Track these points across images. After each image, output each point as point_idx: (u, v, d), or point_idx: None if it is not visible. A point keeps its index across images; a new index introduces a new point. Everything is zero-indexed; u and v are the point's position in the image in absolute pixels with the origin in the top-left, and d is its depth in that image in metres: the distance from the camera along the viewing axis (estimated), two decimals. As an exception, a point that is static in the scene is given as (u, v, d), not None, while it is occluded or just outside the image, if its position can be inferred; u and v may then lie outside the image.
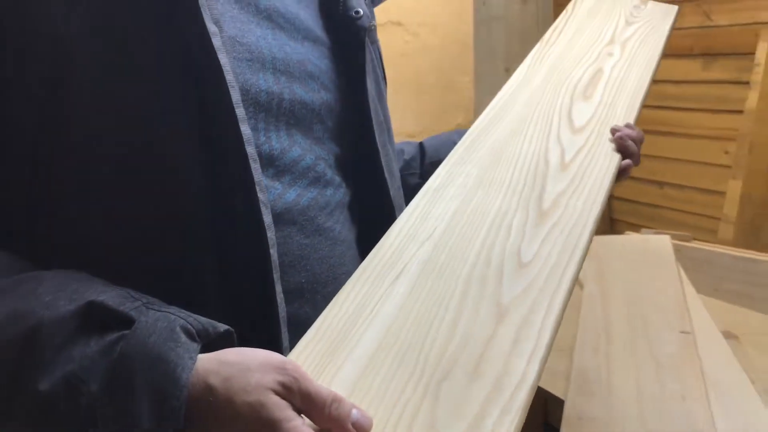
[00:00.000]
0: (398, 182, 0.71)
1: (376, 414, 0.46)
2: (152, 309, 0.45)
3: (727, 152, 2.56)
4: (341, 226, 0.64)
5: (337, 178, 0.65)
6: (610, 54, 0.92)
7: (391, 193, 0.68)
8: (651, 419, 0.79)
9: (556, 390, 0.89)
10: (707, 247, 1.55)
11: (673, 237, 1.84)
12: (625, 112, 0.81)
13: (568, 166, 0.71)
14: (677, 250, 1.52)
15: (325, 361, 0.50)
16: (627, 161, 0.74)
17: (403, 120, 2.80)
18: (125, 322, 0.44)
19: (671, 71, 2.73)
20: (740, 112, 2.35)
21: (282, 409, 0.41)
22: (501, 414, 0.46)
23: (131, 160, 0.50)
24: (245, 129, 0.52)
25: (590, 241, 0.62)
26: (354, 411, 0.44)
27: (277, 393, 0.42)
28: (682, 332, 1.00)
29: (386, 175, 0.67)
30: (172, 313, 0.45)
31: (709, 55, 2.56)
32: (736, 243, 2.07)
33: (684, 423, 0.78)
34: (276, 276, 0.53)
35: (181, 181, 0.51)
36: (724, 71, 2.54)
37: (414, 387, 0.48)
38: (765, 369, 0.96)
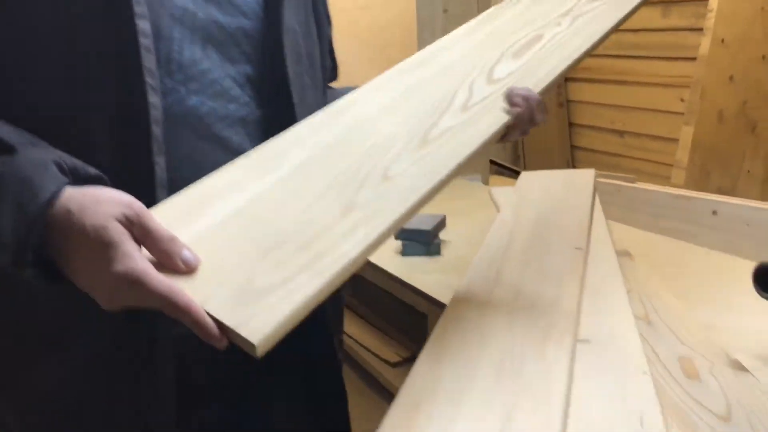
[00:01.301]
0: (311, 110, 0.75)
1: (207, 259, 0.54)
2: (37, 147, 0.53)
3: (682, 100, 2.58)
4: (241, 139, 0.70)
5: (245, 97, 0.70)
6: (558, 24, 0.94)
7: (298, 120, 0.72)
8: (520, 319, 0.84)
9: (444, 299, 0.93)
10: (647, 187, 1.58)
11: (618, 179, 1.88)
12: (544, 75, 0.84)
13: (468, 109, 0.76)
14: (618, 190, 1.56)
15: (182, 217, 0.57)
16: (515, 119, 0.76)
17: (370, 72, 2.80)
18: (9, 151, 0.51)
19: (630, 19, 2.72)
20: (695, 59, 2.36)
21: (120, 234, 0.49)
22: (312, 276, 0.55)
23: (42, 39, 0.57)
24: (143, 24, 0.58)
25: (454, 172, 0.69)
26: (186, 251, 0.52)
27: (119, 221, 0.50)
28: (577, 248, 1.05)
29: (295, 101, 0.73)
30: (52, 152, 0.52)
31: (668, 2, 2.56)
32: (687, 187, 2.10)
33: (548, 320, 0.82)
34: (156, 147, 0.59)
35: (86, 66, 0.58)
36: (682, 18, 2.55)
37: (249, 248, 0.57)
38: (645, 281, 1.00)
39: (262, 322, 0.51)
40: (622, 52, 2.74)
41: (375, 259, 1.19)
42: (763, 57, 2.17)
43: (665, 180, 2.49)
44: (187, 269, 0.52)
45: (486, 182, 2.16)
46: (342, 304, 0.93)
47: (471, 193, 1.55)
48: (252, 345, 0.49)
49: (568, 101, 3.05)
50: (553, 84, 0.86)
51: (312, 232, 0.60)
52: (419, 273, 1.11)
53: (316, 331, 0.83)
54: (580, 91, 2.99)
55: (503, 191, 1.53)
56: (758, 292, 0.75)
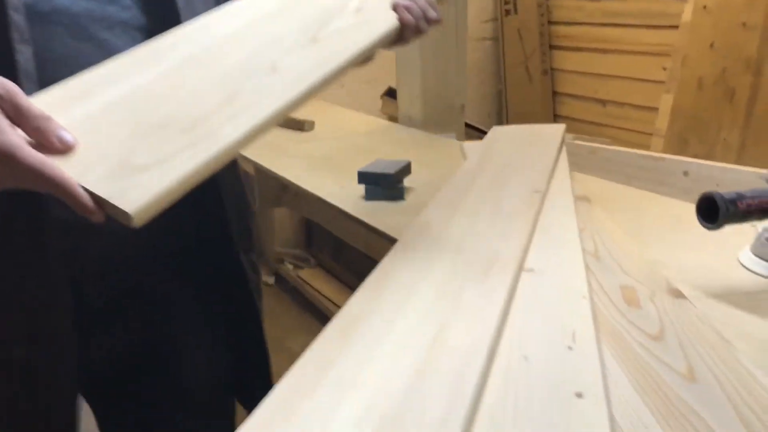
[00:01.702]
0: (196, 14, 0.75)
1: (85, 140, 0.55)
2: None
3: (665, 68, 2.57)
4: (124, 44, 0.70)
5: (128, 1, 0.72)
6: None
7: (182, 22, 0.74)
8: (468, 251, 0.84)
9: (397, 235, 0.94)
10: (621, 149, 1.59)
11: (594, 141, 1.88)
12: None
13: (361, 12, 0.79)
14: (593, 152, 1.56)
15: (60, 104, 0.58)
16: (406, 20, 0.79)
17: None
18: None
19: (616, -14, 2.72)
20: (678, 27, 2.35)
21: None
22: (191, 156, 0.57)
23: None
24: None
25: (342, 67, 0.72)
26: (61, 130, 0.53)
27: None
28: (535, 191, 1.05)
29: (181, 5, 0.75)
30: None
31: (653, -31, 2.55)
32: (664, 154, 2.11)
33: (494, 250, 0.83)
34: (18, 35, 0.57)
35: None
36: (666, -15, 2.54)
37: (129, 131, 0.57)
38: (600, 221, 1.01)
39: (138, 195, 0.53)
40: (606, 20, 2.73)
41: (337, 201, 1.19)
42: (744, 24, 2.16)
43: (645, 149, 2.49)
44: (63, 147, 0.52)
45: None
46: (250, 223, 0.92)
47: (442, 146, 1.55)
48: (127, 215, 0.51)
49: (552, 69, 3.04)
50: None
51: (194, 117, 0.62)
52: (381, 216, 1.11)
53: (222, 248, 0.84)
54: (563, 60, 2.98)
55: (474, 144, 1.53)
56: (701, 223, 0.76)
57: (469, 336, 0.64)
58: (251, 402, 0.93)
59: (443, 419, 0.52)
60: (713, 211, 0.75)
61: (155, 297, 0.84)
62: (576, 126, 2.95)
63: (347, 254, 2.20)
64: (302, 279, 2.69)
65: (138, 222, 0.53)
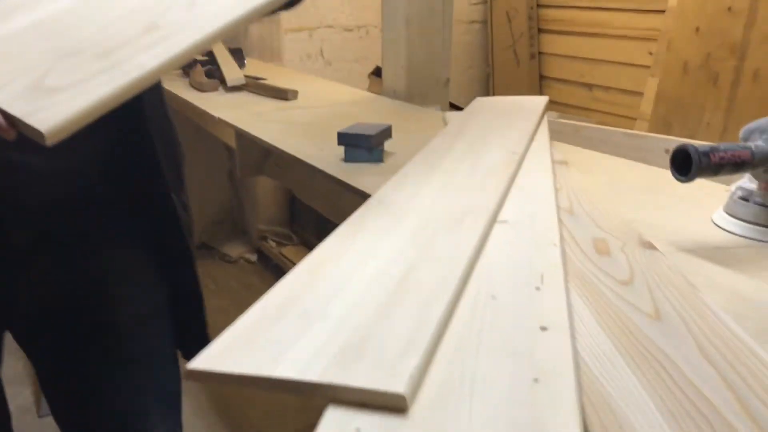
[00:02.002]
0: None
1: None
2: None
3: (651, 53, 2.58)
4: None
5: None
6: None
7: None
8: (443, 202, 0.84)
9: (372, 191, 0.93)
10: (604, 127, 1.60)
11: (577, 119, 1.88)
12: None
13: None
14: (577, 130, 1.56)
15: None
16: None
17: None
18: None
19: (605, -30, 2.72)
20: (665, 11, 2.35)
21: None
22: (107, 81, 0.59)
23: None
24: None
25: (268, 2, 0.74)
26: None
27: None
28: (513, 153, 1.05)
29: None
30: None
31: (641, -47, 2.55)
32: (646, 138, 2.11)
33: (469, 203, 0.83)
34: None
35: None
36: (654, -31, 2.54)
37: (44, 54, 0.60)
38: (577, 182, 1.00)
39: (52, 114, 0.54)
40: (594, 4, 2.73)
41: (316, 162, 1.18)
42: (729, 8, 2.17)
43: (629, 133, 2.49)
44: None
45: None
46: (180, 164, 0.91)
47: (424, 116, 1.54)
48: (40, 133, 0.52)
49: (540, 53, 3.04)
50: None
51: (112, 44, 0.63)
52: (359, 176, 1.10)
53: (153, 188, 0.84)
54: (551, 44, 2.98)
55: (456, 113, 1.53)
56: (674, 175, 0.76)
57: (436, 275, 0.64)
58: (189, 352, 0.93)
59: (404, 347, 0.51)
60: (687, 164, 0.75)
61: (85, 237, 0.82)
62: (562, 110, 2.96)
63: (330, 231, 2.18)
64: (285, 256, 2.68)
65: (50, 140, 0.54)
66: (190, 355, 0.89)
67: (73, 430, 0.91)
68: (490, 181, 0.92)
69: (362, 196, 1.06)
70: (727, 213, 0.86)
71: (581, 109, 2.93)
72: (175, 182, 0.88)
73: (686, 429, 0.45)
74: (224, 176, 2.93)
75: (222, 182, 2.91)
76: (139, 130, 0.82)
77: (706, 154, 0.74)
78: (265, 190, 2.74)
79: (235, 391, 2.04)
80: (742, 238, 0.82)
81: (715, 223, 0.87)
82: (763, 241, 0.80)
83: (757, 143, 0.77)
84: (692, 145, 0.75)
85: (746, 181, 0.84)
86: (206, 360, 0.51)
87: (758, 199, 0.81)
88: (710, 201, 0.93)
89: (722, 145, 0.76)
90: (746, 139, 0.80)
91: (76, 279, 0.83)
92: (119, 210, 0.85)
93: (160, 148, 0.83)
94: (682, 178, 0.76)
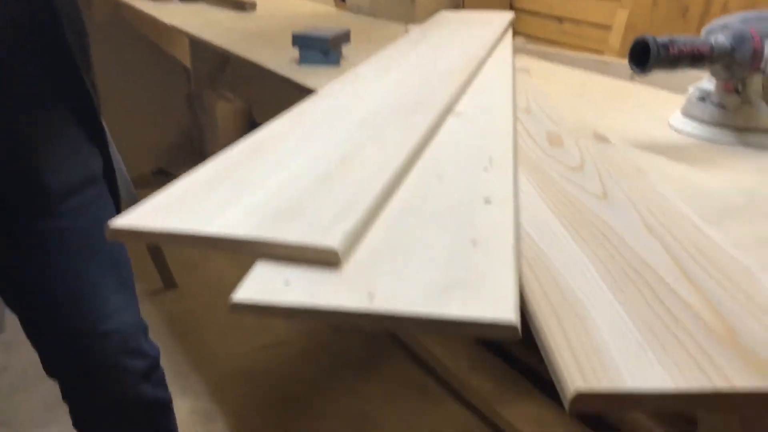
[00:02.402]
0: None
1: None
2: None
3: (622, -16, 2.53)
4: None
5: None
6: None
7: None
8: (393, 97, 0.81)
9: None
10: (571, 53, 1.57)
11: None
12: None
13: None
14: (544, 56, 1.53)
15: None
16: None
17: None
18: None
19: None
20: (638, -59, 2.29)
21: None
22: None
23: None
24: None
25: None
26: None
27: None
28: (474, 57, 1.01)
29: None
30: None
31: None
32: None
33: (424, 95, 0.80)
34: None
35: None
36: None
37: None
38: (536, 86, 0.98)
39: None
40: (568, -68, 2.66)
41: (269, 64, 1.14)
42: (703, -63, 2.12)
43: (597, 67, 2.47)
44: None
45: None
46: (87, 46, 0.87)
47: (388, 29, 1.49)
48: None
49: (511, -17, 2.96)
50: None
51: None
52: (313, 78, 1.06)
53: (64, 69, 0.81)
54: (523, -27, 2.91)
55: (419, 26, 1.48)
56: (632, 68, 0.74)
57: (383, 155, 0.61)
58: None
59: (343, 211, 0.49)
60: (645, 57, 0.73)
61: (8, 95, 0.80)
62: (532, 43, 2.90)
63: None
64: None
65: None
66: None
67: (29, 314, 0.88)
68: (449, 78, 0.89)
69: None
70: (684, 115, 0.84)
71: (551, 42, 2.88)
72: (83, 62, 0.84)
73: (625, 289, 0.44)
74: (183, 100, 2.83)
75: (180, 106, 2.82)
76: (49, 19, 0.80)
77: (665, 45, 0.72)
78: (224, 113, 2.67)
79: (191, 312, 2.03)
80: (698, 140, 0.81)
81: (672, 126, 0.86)
82: (717, 142, 0.79)
83: (718, 37, 0.75)
84: (651, 37, 0.73)
85: (705, 82, 0.83)
86: (135, 217, 0.48)
87: (715, 99, 0.80)
88: (669, 108, 0.91)
89: (681, 38, 0.73)
90: (708, 35, 0.78)
91: (3, 138, 0.79)
92: (39, 74, 0.81)
93: (69, 33, 0.80)
94: (639, 69, 0.74)
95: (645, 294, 0.43)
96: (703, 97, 0.81)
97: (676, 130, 0.84)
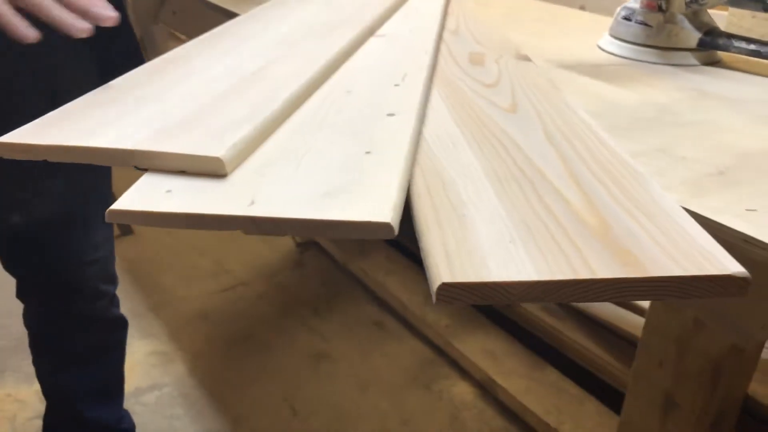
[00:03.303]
0: None
1: None
2: None
3: None
4: None
5: None
6: None
7: None
8: (319, 13, 0.79)
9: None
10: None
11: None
12: None
13: None
14: None
15: None
16: None
17: None
18: None
19: None
20: None
21: None
22: None
23: None
24: None
25: None
26: None
27: None
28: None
29: None
30: None
31: None
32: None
33: (346, 16, 0.79)
34: None
35: None
36: None
37: None
38: (470, 9, 0.97)
39: None
40: None
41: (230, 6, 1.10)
42: None
43: None
44: None
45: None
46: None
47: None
48: None
49: None
50: None
51: None
52: (249, 5, 1.03)
53: None
54: None
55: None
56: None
57: (292, 68, 0.60)
58: None
59: (237, 123, 0.48)
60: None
61: None
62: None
63: None
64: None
65: None
66: None
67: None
68: (376, 2, 0.87)
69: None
70: (611, 35, 0.84)
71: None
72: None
73: (509, 190, 0.44)
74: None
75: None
76: None
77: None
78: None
79: (148, 257, 2.02)
80: (623, 59, 0.81)
81: (600, 48, 0.85)
82: (641, 60, 0.79)
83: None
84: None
85: (631, 1, 0.82)
86: (26, 132, 0.47)
87: (639, 18, 0.80)
88: (600, 30, 0.91)
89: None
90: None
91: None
92: None
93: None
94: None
95: (527, 193, 0.43)
96: (628, 17, 0.81)
97: (604, 51, 0.84)
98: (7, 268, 0.95)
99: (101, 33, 0.56)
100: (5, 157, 0.47)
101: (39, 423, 1.18)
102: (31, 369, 1.08)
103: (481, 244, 0.38)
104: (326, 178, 0.43)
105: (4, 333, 1.67)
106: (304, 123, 0.52)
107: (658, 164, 0.52)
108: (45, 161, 0.46)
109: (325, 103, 0.56)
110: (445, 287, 0.35)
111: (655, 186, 0.45)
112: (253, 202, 0.40)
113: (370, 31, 0.76)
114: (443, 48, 0.76)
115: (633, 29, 0.80)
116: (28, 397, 1.49)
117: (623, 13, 0.82)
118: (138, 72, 0.60)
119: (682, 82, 0.73)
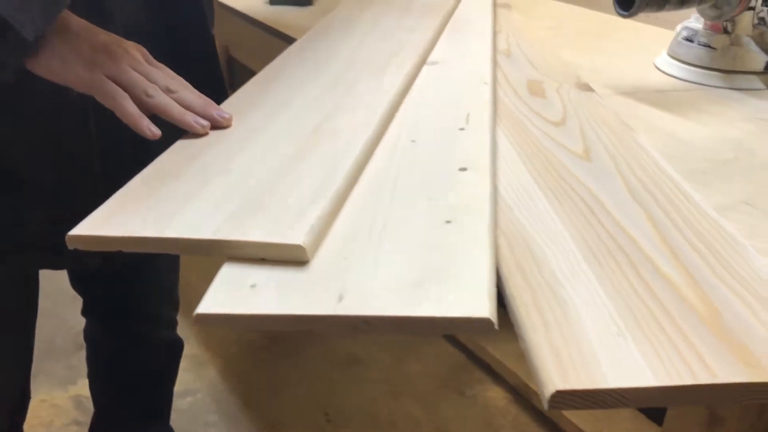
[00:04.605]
0: None
1: None
2: None
3: None
4: None
5: None
6: None
7: None
8: (368, 48, 0.76)
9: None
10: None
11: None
12: None
13: None
14: None
15: None
16: None
17: None
18: None
19: None
20: None
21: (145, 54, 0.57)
22: None
23: None
24: None
25: None
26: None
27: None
28: (452, -6, 0.96)
29: None
30: None
31: None
32: None
33: (398, 44, 0.76)
34: None
35: None
36: None
37: None
38: (518, 25, 0.94)
39: None
40: None
41: (240, 5, 1.07)
42: None
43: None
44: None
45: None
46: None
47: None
48: None
49: None
50: None
51: None
52: (285, 20, 1.00)
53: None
54: None
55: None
56: (617, 11, 0.70)
57: (353, 121, 0.58)
58: None
59: (309, 199, 0.46)
60: (631, -3, 0.69)
61: None
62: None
63: None
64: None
65: None
66: None
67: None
68: (424, 21, 0.84)
69: (289, 42, 0.98)
70: (671, 55, 0.81)
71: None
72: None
73: (605, 265, 0.42)
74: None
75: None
76: None
77: (653, -16, 0.68)
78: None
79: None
80: (684, 82, 0.78)
81: (657, 68, 0.82)
82: (704, 84, 0.76)
83: (707, -26, 0.70)
84: (638, -25, 0.68)
85: (692, 21, 0.79)
86: (90, 225, 0.45)
87: (702, 40, 0.76)
88: (655, 47, 0.87)
89: (670, -24, 0.69)
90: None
91: None
92: None
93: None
94: (625, 13, 0.70)
95: (624, 268, 0.41)
96: (690, 38, 0.77)
97: (662, 72, 0.81)
98: (74, 288, 0.96)
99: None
100: (77, 247, 0.45)
101: (75, 429, 1.19)
102: (65, 373, 1.09)
103: (589, 337, 0.36)
104: (411, 261, 0.40)
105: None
106: (374, 188, 0.49)
107: (749, 221, 0.49)
108: None
109: (393, 160, 0.53)
110: (559, 395, 0.33)
111: (754, 255, 0.42)
112: (341, 298, 0.38)
113: (422, 60, 0.73)
114: (499, 74, 0.74)
115: (695, 51, 0.76)
116: (63, 402, 1.49)
117: (684, 34, 0.78)
118: (192, 135, 0.57)
119: (751, 111, 0.70)
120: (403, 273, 0.39)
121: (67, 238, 0.44)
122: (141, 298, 0.97)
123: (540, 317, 0.37)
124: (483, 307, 0.36)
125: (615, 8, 0.70)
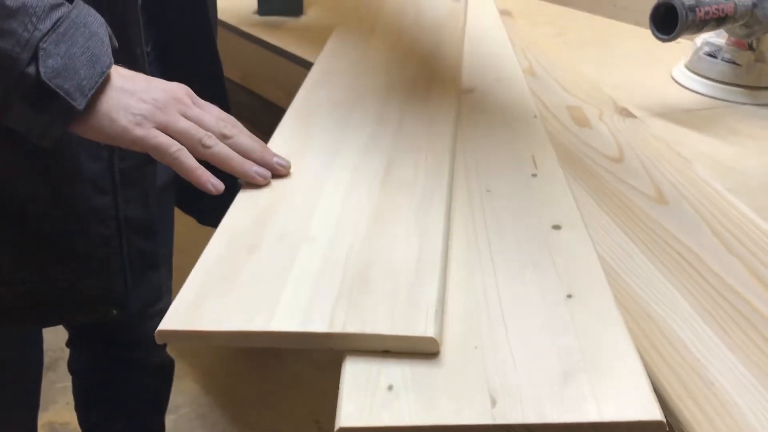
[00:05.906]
0: None
1: None
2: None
3: None
4: None
5: None
6: None
7: None
8: (397, 68, 0.73)
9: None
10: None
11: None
12: None
13: None
14: None
15: None
16: None
17: None
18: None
19: None
20: None
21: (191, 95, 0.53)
22: None
23: None
24: None
25: None
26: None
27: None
28: (454, 0, 0.93)
29: None
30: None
31: None
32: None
33: (429, 69, 0.73)
34: None
35: None
36: None
37: None
38: (527, 36, 0.92)
39: None
40: None
41: (224, 16, 1.00)
42: None
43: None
44: None
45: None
46: None
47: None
48: None
49: None
50: None
51: None
52: (275, 32, 0.95)
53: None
54: None
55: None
56: (654, 34, 0.69)
57: (420, 170, 0.54)
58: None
59: (414, 272, 0.43)
60: (670, 20, 0.68)
61: None
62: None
63: (269, 116, 1.97)
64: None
65: None
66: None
67: None
68: (441, 37, 0.81)
69: (280, 54, 0.92)
70: (691, 70, 0.81)
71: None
72: None
73: (731, 333, 0.41)
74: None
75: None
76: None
77: (692, 8, 0.67)
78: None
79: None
80: (707, 98, 0.78)
81: (676, 80, 0.82)
82: (729, 101, 0.77)
83: (740, -5, 0.70)
84: (678, 0, 0.67)
85: (713, 35, 0.79)
86: (176, 318, 0.41)
87: (727, 56, 0.77)
88: (665, 55, 0.88)
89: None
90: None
91: None
92: None
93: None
94: (665, 37, 0.69)
95: (750, 335, 0.41)
96: (713, 53, 0.78)
97: (681, 86, 0.81)
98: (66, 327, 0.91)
99: None
100: (166, 342, 0.41)
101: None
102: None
103: (752, 426, 0.35)
104: (547, 348, 0.38)
105: None
106: (469, 255, 0.47)
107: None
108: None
109: (475, 217, 0.51)
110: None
111: None
112: (494, 402, 0.35)
113: (457, 88, 0.71)
114: (535, 100, 0.72)
115: (719, 67, 0.77)
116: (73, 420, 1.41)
117: (706, 49, 0.79)
118: (249, 193, 0.53)
119: (783, 129, 0.71)
120: (545, 365, 0.37)
121: (156, 333, 0.40)
122: (132, 323, 0.90)
123: (699, 410, 0.36)
124: (652, 408, 0.35)
125: (653, 32, 0.69)
